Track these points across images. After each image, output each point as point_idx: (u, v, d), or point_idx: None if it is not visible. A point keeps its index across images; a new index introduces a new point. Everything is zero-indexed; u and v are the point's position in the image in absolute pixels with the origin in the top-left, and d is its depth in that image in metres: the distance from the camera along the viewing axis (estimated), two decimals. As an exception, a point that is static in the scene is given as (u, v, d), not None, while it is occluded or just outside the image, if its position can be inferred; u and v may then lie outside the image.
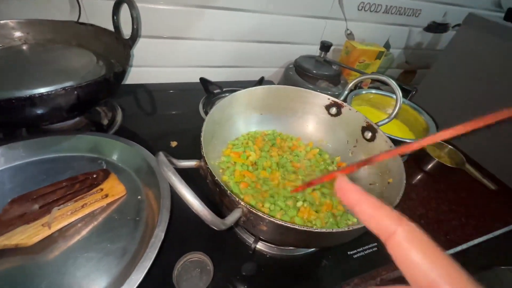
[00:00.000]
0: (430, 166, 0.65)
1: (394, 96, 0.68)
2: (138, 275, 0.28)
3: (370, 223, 0.14)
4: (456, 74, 0.79)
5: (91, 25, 0.55)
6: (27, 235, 0.31)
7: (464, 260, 0.73)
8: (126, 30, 0.59)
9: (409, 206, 0.58)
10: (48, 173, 0.40)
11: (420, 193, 0.62)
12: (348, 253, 0.43)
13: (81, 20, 0.57)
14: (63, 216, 0.33)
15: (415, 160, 0.66)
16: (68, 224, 0.34)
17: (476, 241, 0.55)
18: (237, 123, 0.47)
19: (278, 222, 0.26)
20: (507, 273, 1.02)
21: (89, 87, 0.40)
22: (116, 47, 0.54)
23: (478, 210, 0.60)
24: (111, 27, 0.56)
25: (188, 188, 0.22)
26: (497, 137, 0.68)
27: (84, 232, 0.34)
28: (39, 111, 0.39)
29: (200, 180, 0.34)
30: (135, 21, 0.51)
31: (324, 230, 0.26)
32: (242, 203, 0.27)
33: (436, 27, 0.94)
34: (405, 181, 0.33)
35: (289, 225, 0.26)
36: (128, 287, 0.27)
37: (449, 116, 0.76)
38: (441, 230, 0.54)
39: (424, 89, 0.84)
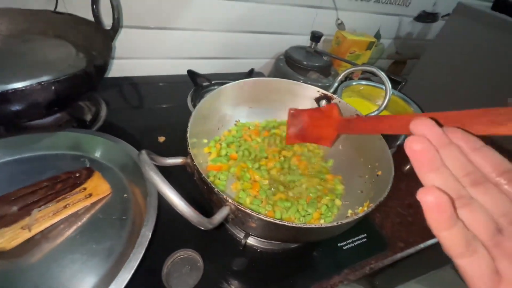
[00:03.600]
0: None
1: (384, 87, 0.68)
2: (125, 275, 0.27)
3: None
4: (445, 64, 0.79)
5: (69, 14, 0.52)
6: (6, 238, 0.29)
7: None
8: (108, 20, 0.56)
9: (398, 196, 0.59)
10: (27, 173, 0.38)
11: (409, 182, 0.62)
12: (338, 245, 0.43)
13: (58, 9, 0.54)
14: (45, 218, 0.32)
15: (405, 151, 0.66)
16: (50, 226, 0.33)
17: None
18: (225, 117, 0.46)
19: (266, 219, 0.26)
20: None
21: (68, 81, 0.38)
22: (97, 38, 0.52)
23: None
24: (91, 17, 0.53)
25: (172, 188, 0.21)
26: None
27: (68, 234, 0.33)
28: (14, 108, 0.37)
29: (187, 178, 0.33)
30: (116, 10, 0.49)
31: (313, 225, 0.26)
32: (229, 200, 0.27)
33: (426, 17, 0.93)
34: (393, 175, 0.33)
35: (278, 222, 0.25)
36: (117, 286, 0.26)
37: (439, 107, 0.77)
38: (428, 219, 0.56)
39: (414, 80, 0.84)
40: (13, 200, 0.32)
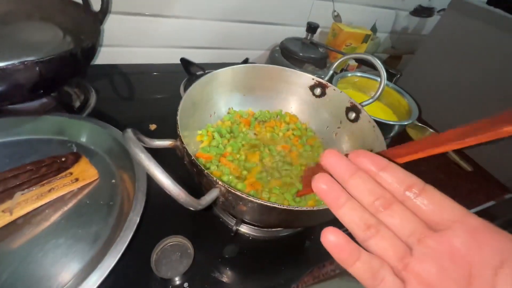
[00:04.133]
0: (412, 149, 0.66)
1: (379, 79, 0.67)
2: (110, 260, 0.26)
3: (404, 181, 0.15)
4: (440, 59, 0.79)
5: (57, -4, 0.50)
6: (-15, 222, 0.28)
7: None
8: (97, 3, 0.54)
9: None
10: (11, 157, 0.36)
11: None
12: (331, 233, 0.43)
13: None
14: (27, 202, 0.31)
15: (398, 143, 0.66)
16: (34, 211, 0.31)
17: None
18: (218, 103, 0.45)
19: (257, 201, 0.25)
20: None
21: (52, 62, 0.37)
22: (85, 21, 0.50)
23: (455, 191, 0.62)
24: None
25: (159, 167, 0.20)
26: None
27: (52, 219, 0.32)
28: (-4, 89, 0.35)
29: (178, 164, 0.32)
30: (105, -9, 0.47)
31: (304, 208, 0.25)
32: (219, 182, 0.26)
33: (422, 11, 0.93)
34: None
35: (269, 204, 0.25)
36: (100, 272, 0.26)
37: (433, 100, 0.77)
38: (420, 210, 0.56)
39: (408, 74, 0.84)
40: (-7, 183, 0.31)
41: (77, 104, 0.53)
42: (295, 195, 0.37)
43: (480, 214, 0.54)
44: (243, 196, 0.25)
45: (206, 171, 0.26)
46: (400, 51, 1.06)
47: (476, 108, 0.69)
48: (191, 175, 0.31)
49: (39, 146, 0.39)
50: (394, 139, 0.67)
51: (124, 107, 0.57)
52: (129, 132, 0.22)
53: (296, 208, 0.25)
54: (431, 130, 0.69)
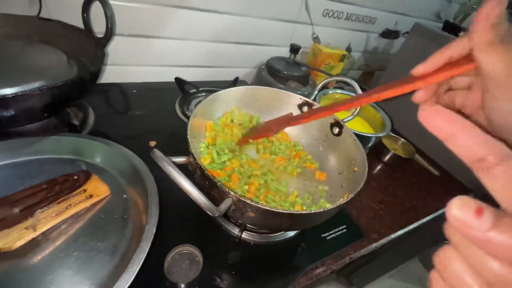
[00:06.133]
0: (387, 157, 0.74)
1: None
2: (133, 268, 0.29)
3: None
4: (406, 75, 0.90)
5: (58, 21, 0.53)
6: (10, 239, 0.30)
7: (416, 237, 0.84)
8: (96, 27, 0.57)
9: (371, 193, 0.66)
10: (22, 177, 0.38)
11: (380, 181, 0.70)
12: (322, 235, 0.48)
13: (42, 15, 0.54)
14: (48, 218, 0.33)
15: (375, 153, 0.74)
16: (53, 226, 0.33)
17: (425, 219, 0.65)
18: (218, 122, 0.50)
19: (265, 207, 0.29)
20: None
21: (65, 86, 0.39)
22: (87, 45, 0.53)
23: (426, 193, 0.70)
24: (76, 23, 0.54)
25: (188, 180, 0.24)
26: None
27: (70, 233, 0.34)
28: (9, 113, 0.37)
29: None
30: (109, 20, 0.50)
31: (305, 211, 0.30)
32: (231, 193, 0.30)
33: (389, 34, 1.05)
34: (367, 169, 0.39)
35: (274, 209, 0.29)
36: (125, 280, 0.28)
37: (403, 113, 0.87)
38: (397, 212, 0.63)
39: (380, 89, 0.94)
40: (13, 202, 0.32)
41: (75, 122, 0.55)
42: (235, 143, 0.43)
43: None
44: (253, 203, 0.30)
45: (219, 183, 0.30)
46: (372, 68, 1.17)
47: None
48: (201, 187, 0.35)
49: (48, 166, 0.41)
50: (372, 148, 0.75)
51: (122, 125, 0.60)
52: (158, 152, 0.26)
53: (299, 212, 0.30)
54: (402, 139, 0.78)
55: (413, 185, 0.72)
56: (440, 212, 0.68)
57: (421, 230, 0.65)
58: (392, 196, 0.67)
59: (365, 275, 1.24)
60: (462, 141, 0.14)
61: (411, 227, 0.62)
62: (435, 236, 1.11)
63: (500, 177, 0.12)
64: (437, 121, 0.14)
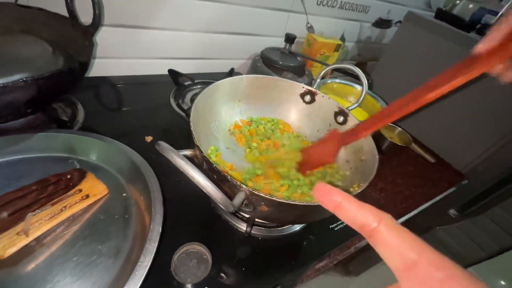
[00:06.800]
0: (385, 146, 0.74)
1: (355, 86, 0.75)
2: (141, 271, 0.27)
3: (355, 222, 0.15)
4: (400, 64, 0.90)
5: (39, 9, 0.48)
6: (1, 246, 0.27)
7: (411, 224, 0.86)
8: (83, 17, 0.53)
9: (371, 182, 0.65)
10: (9, 177, 0.34)
11: (379, 170, 0.70)
12: (330, 226, 0.47)
13: (20, 2, 0.49)
14: (41, 222, 0.30)
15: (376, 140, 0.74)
16: (47, 230, 0.30)
17: (423, 206, 0.66)
18: (219, 112, 0.47)
19: (279, 200, 0.28)
20: (441, 233, 1.22)
21: (52, 78, 0.36)
22: (73, 35, 0.49)
23: (423, 180, 0.71)
24: (59, 11, 0.49)
25: (200, 172, 0.22)
26: (436, 120, 0.81)
27: (67, 237, 0.31)
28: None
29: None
30: (97, 6, 0.46)
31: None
32: (243, 186, 0.28)
33: (382, 23, 1.05)
34: (377, 157, 0.38)
35: (290, 202, 0.28)
36: (132, 285, 0.26)
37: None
38: (397, 200, 0.63)
39: (374, 79, 0.94)
40: (1, 206, 0.29)
41: (64, 118, 0.51)
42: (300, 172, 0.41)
43: (444, 200, 0.63)
44: (267, 196, 0.28)
45: (229, 176, 0.29)
46: (365, 58, 1.17)
47: (434, 106, 0.80)
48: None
49: (37, 165, 0.37)
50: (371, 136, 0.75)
51: (115, 120, 0.56)
52: (164, 143, 0.24)
53: (315, 204, 0.29)
54: (399, 128, 0.78)
55: (410, 172, 0.73)
56: (437, 198, 0.69)
57: (416, 216, 0.66)
58: (392, 185, 0.67)
59: (361, 263, 1.26)
60: (346, 206, 0.15)
61: (411, 214, 0.63)
62: (429, 222, 1.14)
63: (382, 240, 0.13)
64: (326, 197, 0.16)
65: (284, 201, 0.28)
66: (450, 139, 0.79)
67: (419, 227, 1.11)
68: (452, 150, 0.79)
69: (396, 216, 0.60)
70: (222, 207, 0.24)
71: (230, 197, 0.28)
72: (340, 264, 1.26)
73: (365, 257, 1.18)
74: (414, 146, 0.80)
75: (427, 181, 0.72)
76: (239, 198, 0.27)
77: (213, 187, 0.22)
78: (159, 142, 0.25)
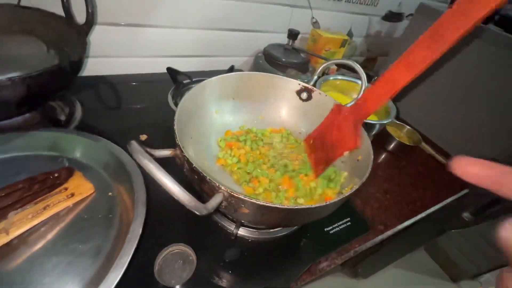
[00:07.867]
0: (392, 145, 0.70)
1: (359, 82, 0.72)
2: (116, 272, 0.27)
3: None
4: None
5: (37, 9, 0.49)
6: (-19, 244, 0.27)
7: (422, 227, 0.81)
8: (80, 16, 0.53)
9: (376, 183, 0.63)
10: (-2, 176, 0.35)
11: (385, 170, 0.67)
12: (325, 229, 0.45)
13: (22, 4, 0.50)
14: (23, 220, 0.30)
15: (379, 141, 0.71)
16: (29, 229, 0.31)
17: (433, 209, 0.62)
18: (210, 111, 0.46)
19: (259, 203, 0.26)
20: (456, 236, 1.16)
21: (41, 77, 0.36)
22: (69, 34, 0.49)
23: (433, 182, 0.67)
24: (59, 11, 0.50)
25: (167, 175, 0.21)
26: (447, 118, 0.77)
27: (49, 236, 0.31)
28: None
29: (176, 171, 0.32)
30: (90, 4, 0.47)
31: (303, 206, 0.27)
32: (222, 187, 0.27)
33: (392, 16, 1.00)
34: (372, 157, 0.36)
35: (270, 204, 0.26)
36: (106, 286, 0.26)
37: (408, 99, 0.83)
38: (404, 202, 0.60)
39: (383, 75, 0.90)
40: (-16, 204, 0.30)
41: (62, 117, 0.52)
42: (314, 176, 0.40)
43: (457, 202, 0.58)
44: (246, 199, 0.26)
45: (208, 178, 0.27)
46: (375, 53, 1.12)
47: (447, 103, 0.76)
48: (191, 182, 0.32)
49: (28, 163, 0.38)
50: (376, 136, 0.71)
51: (112, 119, 0.57)
52: (135, 144, 0.23)
53: (296, 207, 0.27)
54: (408, 127, 0.74)
55: (420, 174, 0.69)
56: (448, 200, 0.65)
57: (428, 219, 0.62)
58: (398, 186, 0.64)
59: (370, 265, 1.22)
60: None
61: (418, 217, 0.59)
62: (442, 225, 1.08)
63: None
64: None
65: (264, 203, 0.26)
66: (464, 139, 0.74)
67: (430, 230, 1.05)
68: (466, 150, 0.73)
69: (403, 219, 0.57)
70: (194, 211, 0.23)
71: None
72: (347, 265, 1.23)
73: (374, 259, 1.14)
74: (424, 145, 0.76)
75: (438, 183, 0.67)
76: (215, 200, 0.26)
77: (181, 190, 0.21)
78: (131, 141, 0.24)
